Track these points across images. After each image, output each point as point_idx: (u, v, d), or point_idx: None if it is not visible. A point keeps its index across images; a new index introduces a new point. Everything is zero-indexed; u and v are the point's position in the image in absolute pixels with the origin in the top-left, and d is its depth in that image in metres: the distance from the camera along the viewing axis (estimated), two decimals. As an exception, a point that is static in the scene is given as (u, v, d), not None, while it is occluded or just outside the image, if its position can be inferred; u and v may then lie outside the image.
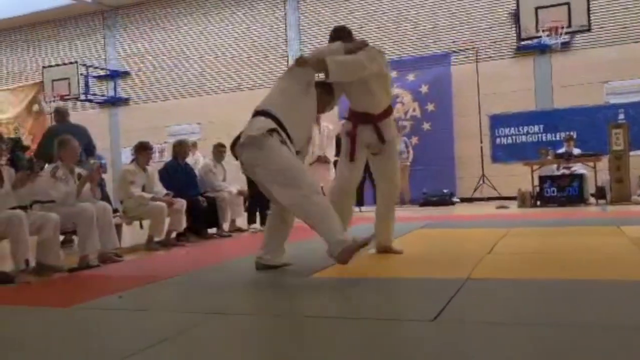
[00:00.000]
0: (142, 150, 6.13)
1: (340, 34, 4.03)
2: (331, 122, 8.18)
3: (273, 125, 3.46)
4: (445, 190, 10.95)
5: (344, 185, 4.14)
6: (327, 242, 3.36)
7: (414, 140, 11.79)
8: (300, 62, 3.66)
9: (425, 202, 10.83)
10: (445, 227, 6.67)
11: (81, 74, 14.20)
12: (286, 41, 13.58)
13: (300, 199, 3.38)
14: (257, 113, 3.62)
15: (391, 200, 4.26)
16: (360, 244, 3.34)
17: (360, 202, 10.14)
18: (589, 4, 10.30)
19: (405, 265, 3.97)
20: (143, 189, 5.97)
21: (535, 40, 10.84)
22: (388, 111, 4.12)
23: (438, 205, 10.58)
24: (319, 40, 13.12)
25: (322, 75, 3.70)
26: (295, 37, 13.48)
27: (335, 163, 9.21)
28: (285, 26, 13.60)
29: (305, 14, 13.43)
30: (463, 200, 11.05)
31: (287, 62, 13.54)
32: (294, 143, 3.55)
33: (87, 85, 14.49)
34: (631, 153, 9.13)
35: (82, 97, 14.35)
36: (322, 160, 8.68)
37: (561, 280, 3.10)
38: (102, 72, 15.16)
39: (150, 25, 14.97)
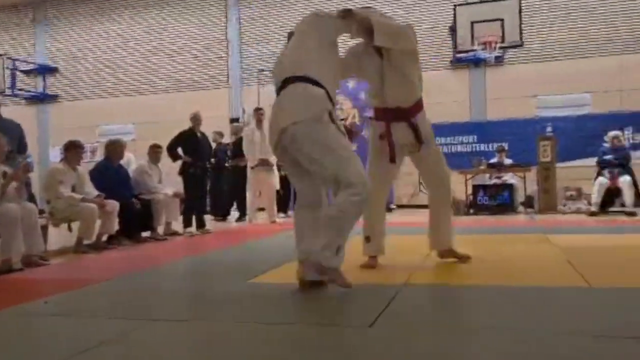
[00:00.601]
0: (73, 149, 5.88)
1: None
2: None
3: (326, 97, 2.97)
4: (382, 197, 11.07)
5: (379, 190, 3.68)
6: (325, 246, 2.90)
7: (354, 146, 11.86)
8: (345, 13, 3.21)
9: (363, 209, 10.92)
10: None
11: (7, 68, 13.51)
12: (226, 41, 13.41)
13: (346, 196, 2.87)
14: (295, 79, 3.02)
15: (445, 203, 3.94)
16: (339, 281, 2.99)
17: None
18: (521, 22, 10.80)
19: (343, 270, 3.96)
20: (73, 190, 5.72)
21: (471, 54, 11.20)
22: (420, 103, 3.73)
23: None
24: (260, 40, 13.05)
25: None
26: (236, 37, 13.35)
27: (279, 168, 9.26)
28: (226, 26, 13.44)
29: (247, 14, 13.32)
30: (400, 207, 11.22)
31: (227, 62, 13.39)
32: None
33: (13, 79, 13.79)
34: (558, 165, 9.56)
35: (8, 91, 13.64)
36: (264, 163, 8.64)
37: (494, 287, 3.17)
38: (30, 67, 14.47)
39: (82, 20, 14.44)
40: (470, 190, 9.69)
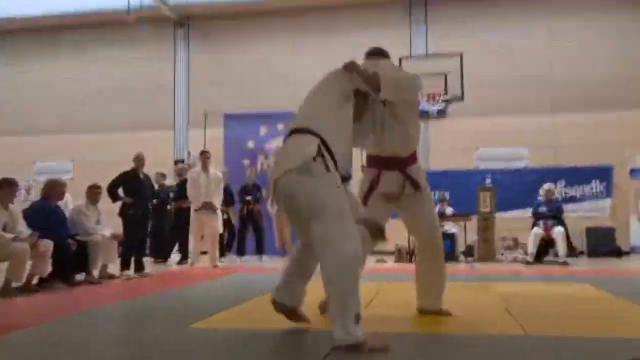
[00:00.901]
0: (6, 187, 5.63)
1: (383, 53, 3.66)
2: (219, 170, 8.00)
3: (317, 146, 2.87)
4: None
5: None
6: (339, 326, 2.67)
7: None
8: (351, 66, 3.18)
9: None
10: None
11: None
12: (174, 82, 13.36)
13: (325, 262, 2.75)
14: (296, 130, 3.01)
15: (435, 254, 3.78)
16: (375, 349, 2.69)
17: (241, 251, 10.03)
18: (462, 78, 11.34)
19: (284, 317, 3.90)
20: (4, 229, 5.44)
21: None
22: (415, 155, 3.68)
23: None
24: (208, 83, 13.07)
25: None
26: (184, 78, 13.33)
27: (222, 211, 9.17)
28: (174, 67, 13.41)
29: (196, 56, 13.36)
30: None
31: (174, 103, 13.31)
32: (339, 166, 2.96)
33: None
34: (497, 215, 9.88)
35: None
36: (207, 206, 8.54)
37: (435, 334, 3.19)
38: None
39: (23, 54, 14.08)
40: (413, 238, 9.82)
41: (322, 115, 3.03)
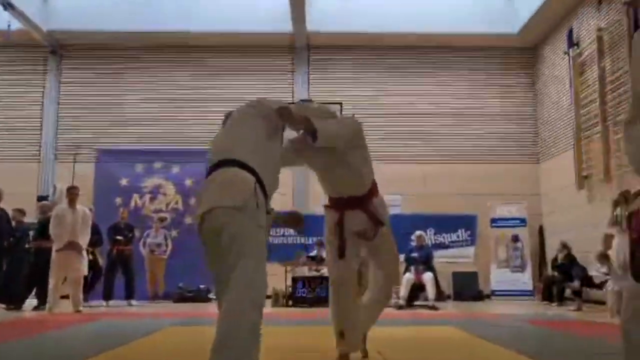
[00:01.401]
0: None
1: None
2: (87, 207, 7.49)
3: (254, 183, 2.71)
4: (202, 286, 10.74)
5: (340, 284, 3.50)
6: None
7: (174, 233, 11.50)
8: (286, 115, 2.98)
9: (180, 298, 10.46)
10: (200, 325, 6.42)
11: None
12: (42, 112, 12.47)
13: (242, 303, 2.60)
14: (226, 162, 2.79)
15: (383, 292, 3.66)
16: None
17: (108, 295, 9.39)
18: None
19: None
20: None
21: (296, 150, 11.76)
22: (374, 188, 3.64)
23: (193, 301, 10.29)
24: (78, 116, 12.38)
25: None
26: (53, 110, 12.48)
27: (88, 251, 8.52)
28: (42, 98, 12.55)
29: (66, 88, 12.62)
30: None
31: (40, 135, 12.39)
32: (267, 201, 2.84)
33: None
34: (371, 259, 10.14)
35: None
36: (72, 246, 7.91)
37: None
38: None
39: None
40: (289, 282, 9.80)
41: (251, 148, 2.85)
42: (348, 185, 3.54)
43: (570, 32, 10.50)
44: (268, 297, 9.74)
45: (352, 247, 3.49)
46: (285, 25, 11.59)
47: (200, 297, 10.48)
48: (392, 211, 12.14)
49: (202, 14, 11.85)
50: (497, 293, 11.33)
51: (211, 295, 10.74)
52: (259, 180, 2.74)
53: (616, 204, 7.36)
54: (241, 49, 12.56)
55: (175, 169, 11.98)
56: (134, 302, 9.51)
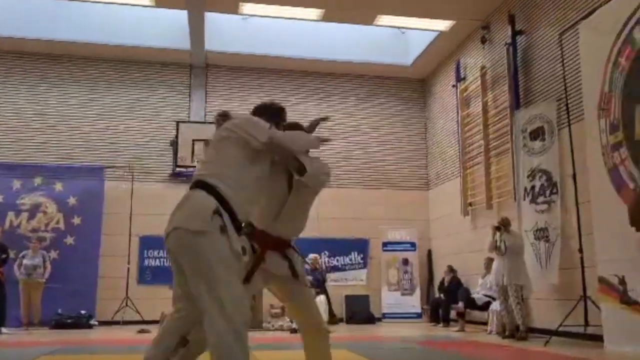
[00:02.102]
0: None
1: (283, 116, 3.28)
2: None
3: (214, 207, 2.70)
4: (83, 312, 10.07)
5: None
6: None
7: (54, 254, 10.72)
8: (270, 142, 2.88)
9: (58, 324, 9.73)
10: (79, 353, 5.98)
11: None
12: None
13: (227, 332, 2.56)
14: (197, 184, 2.81)
15: (319, 334, 3.33)
16: None
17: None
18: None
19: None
20: None
21: (190, 169, 11.46)
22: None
23: (73, 327, 9.63)
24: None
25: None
26: None
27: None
28: None
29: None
30: (103, 323, 10.26)
31: None
32: (240, 219, 2.82)
33: None
34: (265, 282, 10.03)
35: None
36: None
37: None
38: None
39: None
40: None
41: (222, 171, 2.83)
42: (289, 226, 3.32)
43: (458, 66, 11.18)
44: (155, 322, 9.31)
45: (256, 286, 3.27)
46: (184, 42, 11.35)
47: (80, 323, 9.82)
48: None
49: (92, 24, 11.31)
50: (387, 316, 11.60)
51: (93, 322, 10.11)
52: (226, 204, 2.73)
53: (495, 230, 7.81)
54: (136, 63, 12.12)
55: (59, 186, 11.22)
56: (4, 329, 8.71)
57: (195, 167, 11.32)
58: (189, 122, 11.89)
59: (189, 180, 11.11)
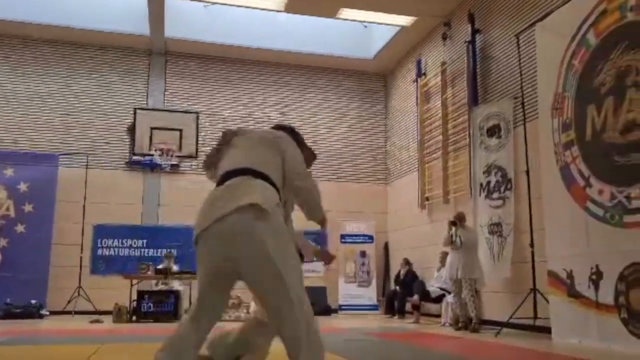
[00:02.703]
0: None
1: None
2: None
3: (277, 197, 2.44)
4: (33, 301, 9.80)
5: None
6: None
7: (3, 242, 10.38)
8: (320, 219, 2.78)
9: (7, 314, 9.45)
10: (29, 344, 5.82)
11: None
12: None
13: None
14: (246, 171, 2.46)
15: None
16: None
17: None
18: (197, 136, 11.56)
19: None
20: None
21: (148, 158, 11.27)
22: None
23: (23, 317, 9.37)
24: None
25: None
26: None
27: None
28: None
29: None
30: (54, 313, 10.01)
31: None
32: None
33: None
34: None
35: None
36: None
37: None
38: None
39: None
40: (135, 296, 9.28)
41: (271, 168, 2.56)
42: None
43: (419, 62, 11.31)
44: (109, 312, 9.15)
45: None
46: (143, 27, 11.10)
47: (30, 313, 9.56)
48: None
49: (48, 5, 10.95)
50: (344, 307, 11.70)
51: (44, 312, 9.85)
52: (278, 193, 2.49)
53: (451, 224, 7.96)
54: (94, 47, 11.79)
55: (9, 172, 10.84)
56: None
57: (152, 155, 11.16)
58: (147, 109, 11.67)
59: (145, 168, 11.01)
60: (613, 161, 5.65)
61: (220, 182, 2.51)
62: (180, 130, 11.52)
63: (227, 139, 2.76)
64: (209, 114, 12.08)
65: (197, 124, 11.75)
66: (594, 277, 5.77)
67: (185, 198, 11.49)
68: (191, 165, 11.65)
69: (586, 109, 6.09)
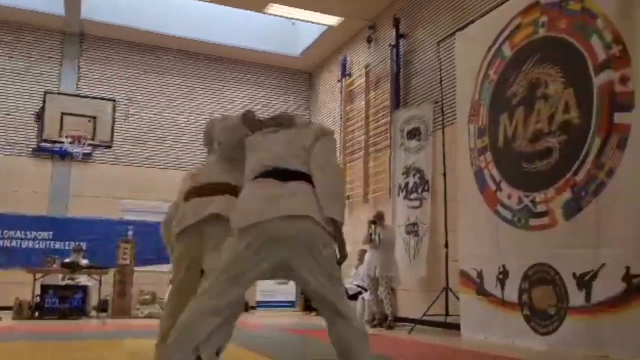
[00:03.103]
0: None
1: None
2: None
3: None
4: None
5: None
6: None
7: None
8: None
9: None
10: None
11: None
12: None
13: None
14: (299, 175, 2.49)
15: None
16: None
17: None
18: (113, 125, 11.08)
19: None
20: None
21: (57, 145, 10.67)
22: None
23: None
24: None
25: None
26: None
27: None
28: None
29: None
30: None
31: None
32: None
33: None
34: (136, 268, 9.62)
35: None
36: None
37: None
38: None
39: None
40: (38, 291, 8.76)
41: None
42: None
43: (345, 62, 11.43)
44: (9, 308, 8.61)
45: None
46: (58, 6, 10.49)
47: None
48: (159, 218, 11.68)
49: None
50: (261, 304, 11.61)
51: None
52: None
53: (371, 223, 8.10)
54: (3, 25, 10.99)
55: None
56: None
57: (63, 142, 10.56)
58: (59, 93, 11.05)
59: (54, 155, 10.38)
60: (521, 167, 5.96)
61: (266, 175, 2.49)
62: (94, 118, 10.99)
63: (254, 124, 2.86)
64: (128, 103, 11.61)
65: (114, 112, 11.26)
66: (500, 276, 6.07)
67: (98, 189, 11.01)
68: (106, 153, 11.14)
69: (499, 117, 6.38)
